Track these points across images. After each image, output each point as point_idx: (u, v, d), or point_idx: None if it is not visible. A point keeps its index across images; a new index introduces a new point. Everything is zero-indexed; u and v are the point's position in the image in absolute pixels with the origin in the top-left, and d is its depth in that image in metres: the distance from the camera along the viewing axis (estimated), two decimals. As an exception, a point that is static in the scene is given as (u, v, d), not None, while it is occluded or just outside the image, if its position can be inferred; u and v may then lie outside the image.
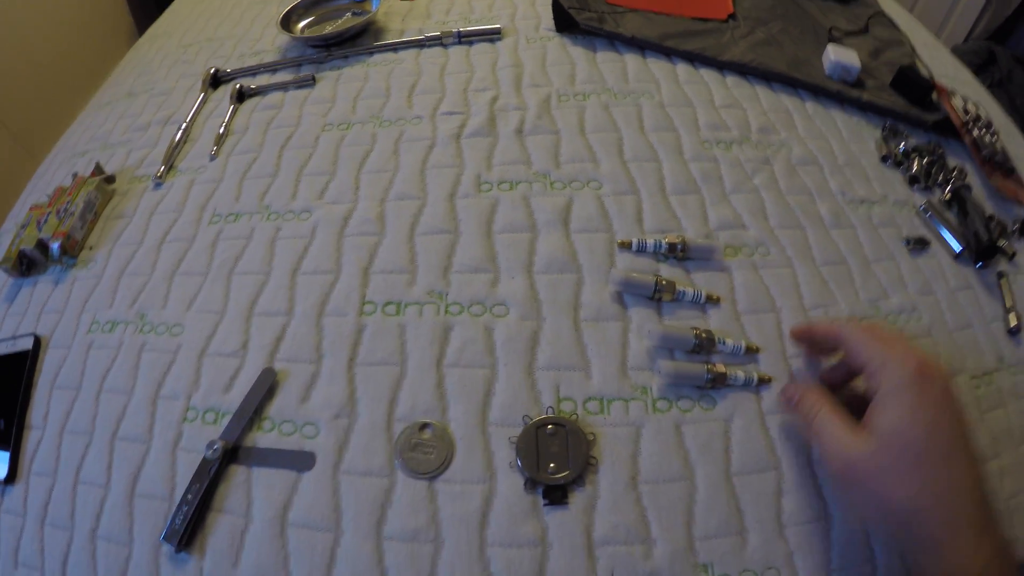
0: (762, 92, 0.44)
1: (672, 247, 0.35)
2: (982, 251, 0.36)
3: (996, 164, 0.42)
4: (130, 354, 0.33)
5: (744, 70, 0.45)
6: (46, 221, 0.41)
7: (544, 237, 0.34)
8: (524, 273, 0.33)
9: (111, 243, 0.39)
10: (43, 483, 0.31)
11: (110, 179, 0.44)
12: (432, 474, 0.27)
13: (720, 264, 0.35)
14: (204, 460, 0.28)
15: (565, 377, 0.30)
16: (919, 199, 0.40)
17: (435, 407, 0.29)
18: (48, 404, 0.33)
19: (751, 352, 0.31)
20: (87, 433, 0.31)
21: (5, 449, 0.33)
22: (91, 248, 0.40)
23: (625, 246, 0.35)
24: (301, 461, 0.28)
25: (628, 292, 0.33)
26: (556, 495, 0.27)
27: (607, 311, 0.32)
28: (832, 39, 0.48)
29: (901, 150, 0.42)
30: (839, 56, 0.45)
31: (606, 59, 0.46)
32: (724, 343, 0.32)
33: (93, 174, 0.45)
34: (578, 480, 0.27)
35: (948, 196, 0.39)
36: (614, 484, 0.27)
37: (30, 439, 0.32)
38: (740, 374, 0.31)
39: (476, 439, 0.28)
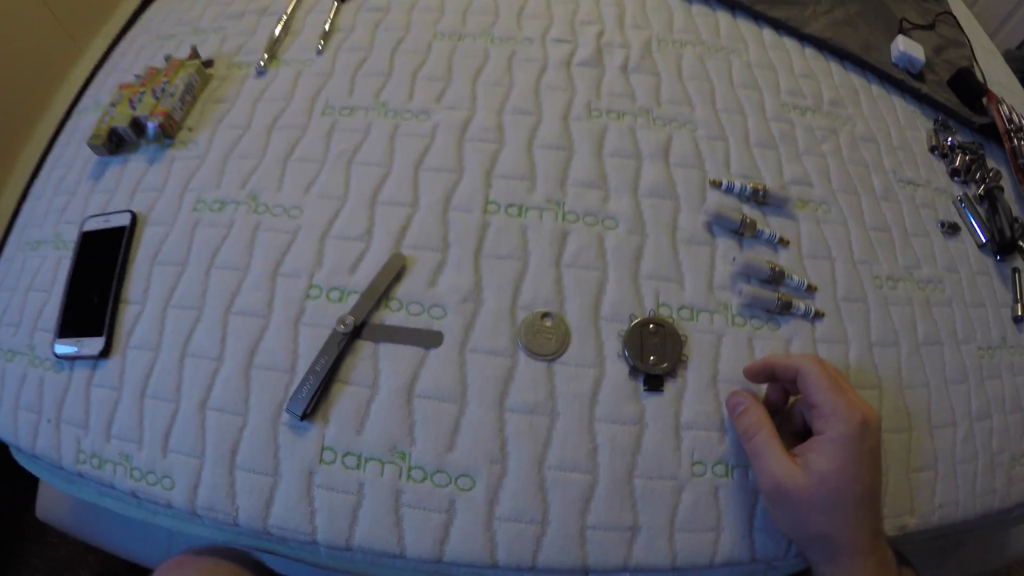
0: (835, 68, 0.46)
1: (755, 192, 0.37)
2: (1004, 246, 0.40)
3: (1029, 173, 0.45)
4: (244, 232, 0.33)
5: (822, 45, 0.46)
6: (140, 100, 0.39)
7: (648, 165, 0.35)
8: (630, 194, 0.34)
9: (213, 126, 0.38)
10: (143, 357, 0.31)
11: (208, 63, 0.42)
12: (551, 356, 0.29)
13: (790, 213, 0.37)
14: (334, 333, 0.29)
15: (664, 287, 0.32)
16: (956, 190, 0.43)
17: (554, 300, 0.31)
18: (148, 280, 0.33)
19: (810, 290, 0.35)
20: (195, 308, 0.31)
21: (100, 323, 0.32)
22: (190, 129, 0.38)
23: (716, 184, 0.37)
24: (429, 338, 0.29)
25: (717, 224, 0.35)
26: (654, 383, 0.30)
27: (699, 236, 0.34)
28: (902, 30, 0.49)
29: (948, 144, 0.45)
30: (907, 48, 0.47)
31: (700, 12, 0.45)
32: (791, 279, 0.35)
33: (190, 57, 0.42)
34: (672, 373, 0.30)
35: (982, 192, 0.43)
36: (699, 380, 0.30)
37: (127, 313, 0.32)
38: (801, 305, 0.34)
39: (589, 330, 0.30)
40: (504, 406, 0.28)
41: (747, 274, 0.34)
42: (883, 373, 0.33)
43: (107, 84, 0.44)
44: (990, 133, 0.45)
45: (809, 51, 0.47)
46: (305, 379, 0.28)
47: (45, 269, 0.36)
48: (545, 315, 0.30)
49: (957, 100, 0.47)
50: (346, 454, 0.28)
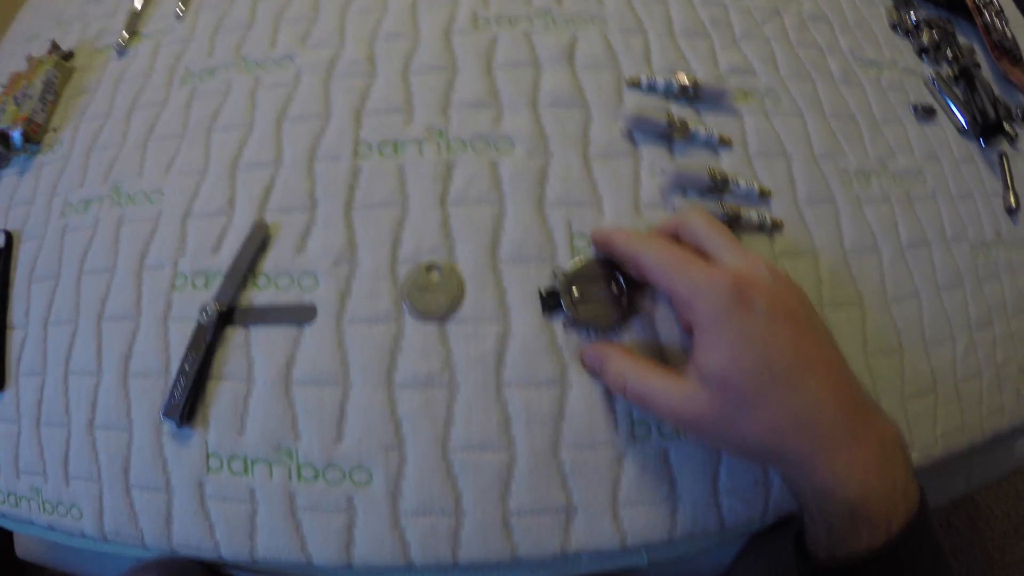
0: (772, -63, 0.35)
1: (684, 88, 0.27)
2: (988, 128, 0.30)
3: (1005, 50, 0.34)
4: (108, 230, 0.26)
5: (754, -89, 0.35)
6: (3, 111, 0.31)
7: (549, 73, 0.26)
8: (529, 108, 0.25)
9: (76, 120, 0.30)
10: (33, 383, 0.25)
11: (68, 55, 0.33)
12: (442, 315, 0.22)
13: (731, 108, 0.27)
14: (198, 326, 0.22)
15: (576, 213, 0.23)
16: (927, 70, 0.32)
17: (441, 246, 0.23)
18: (28, 299, 0.26)
19: (764, 196, 0.25)
20: (71, 321, 0.25)
21: None
22: (55, 130, 0.30)
23: (634, 84, 0.27)
24: (301, 314, 0.22)
25: (639, 129, 0.25)
26: (550, 301, 0.21)
27: (617, 147, 0.25)
28: None
29: (912, 21, 0.34)
30: (855, -103, 0.35)
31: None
32: (738, 184, 0.25)
33: (49, 53, 0.34)
34: (622, 320, 0.21)
35: (956, 72, 0.32)
36: (637, 319, 0.22)
37: (14, 340, 0.26)
38: (754, 215, 0.25)
39: (487, 278, 0.22)
40: (393, 382, 0.21)
41: (682, 185, 0.25)
42: (863, 286, 0.24)
43: None
44: (957, 8, 0.34)
45: (741, -79, 0.36)
46: (176, 381, 0.22)
47: None
48: (431, 267, 0.22)
49: None
50: (231, 458, 0.21)
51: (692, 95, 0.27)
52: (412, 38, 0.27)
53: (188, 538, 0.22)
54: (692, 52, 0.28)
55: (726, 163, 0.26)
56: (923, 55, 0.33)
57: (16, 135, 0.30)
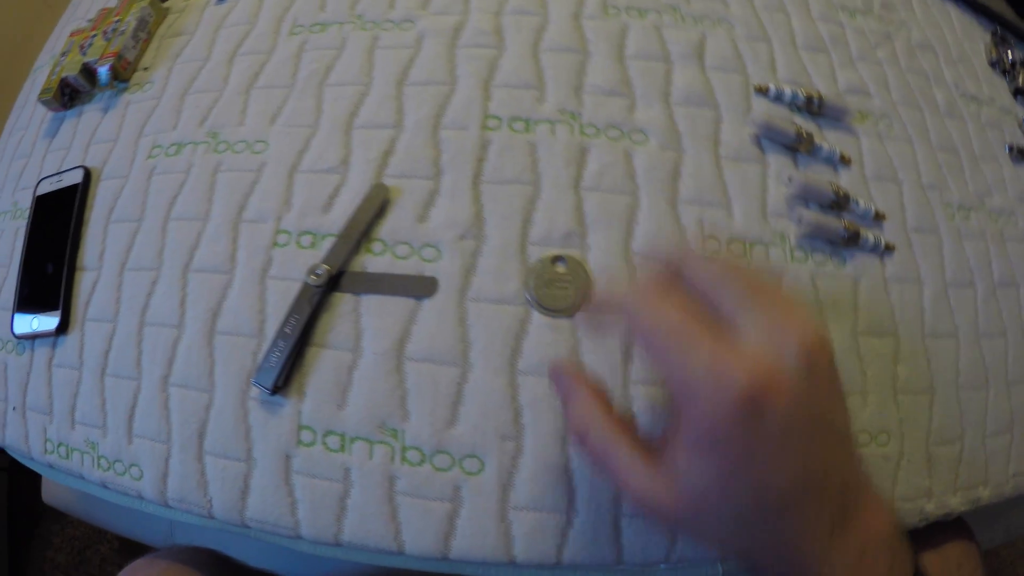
0: (883, -33, 0.34)
1: (809, 100, 0.25)
2: None
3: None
4: (202, 176, 0.24)
5: (868, -61, 0.35)
6: (91, 45, 0.29)
7: (680, 69, 0.24)
8: (662, 102, 0.23)
9: (169, 62, 0.27)
10: (102, 330, 0.22)
11: None
12: (568, 312, 0.19)
13: (849, 128, 0.26)
14: (305, 287, 0.20)
15: (708, 214, 0.22)
16: (1021, 111, 0.31)
17: (575, 231, 0.21)
18: (104, 241, 0.24)
19: (879, 218, 0.24)
20: (153, 268, 0.22)
21: (55, 295, 0.23)
22: (146, 69, 0.28)
23: (762, 91, 0.25)
24: (421, 286, 0.20)
25: (767, 137, 0.24)
26: None
27: (747, 152, 0.23)
28: (956, -79, 0.37)
29: (1009, 60, 0.33)
30: (964, -60, 0.35)
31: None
32: (857, 204, 0.24)
33: None
34: None
35: None
36: None
37: (83, 282, 0.23)
38: (870, 237, 0.23)
39: (619, 270, 0.20)
40: (516, 368, 0.19)
41: (806, 197, 0.23)
42: (959, 319, 0.23)
43: (63, 34, 0.33)
44: None
45: (853, -52, 0.35)
46: (274, 345, 0.19)
47: (3, 242, 0.27)
48: (556, 259, 0.20)
49: (1012, 12, 0.35)
50: (327, 433, 0.19)
51: (816, 109, 0.26)
52: (541, 15, 0.25)
53: (265, 513, 0.19)
54: (813, 67, 0.27)
55: (844, 181, 0.25)
56: (1017, 95, 0.32)
57: (103, 71, 0.28)
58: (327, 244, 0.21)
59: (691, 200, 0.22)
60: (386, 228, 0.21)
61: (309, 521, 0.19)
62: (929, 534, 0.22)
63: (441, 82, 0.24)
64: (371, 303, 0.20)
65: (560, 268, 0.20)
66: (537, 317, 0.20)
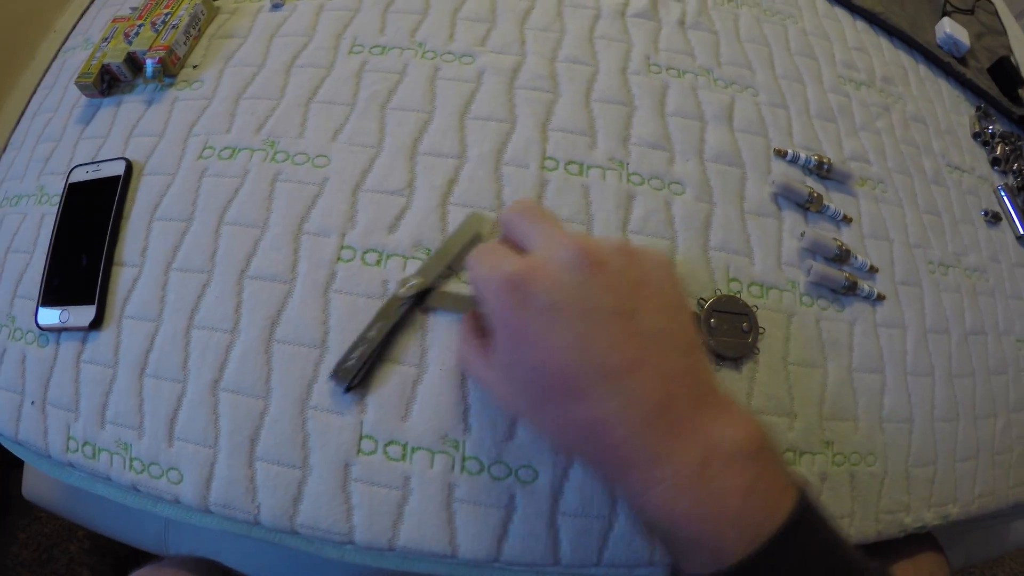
0: (885, 44, 0.40)
1: (820, 164, 0.31)
2: None
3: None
4: (260, 183, 0.26)
5: (872, 19, 0.40)
6: (137, 34, 0.30)
7: (712, 128, 0.29)
8: (696, 157, 0.28)
9: (222, 63, 0.30)
10: (142, 328, 0.24)
11: None
12: None
13: (851, 190, 0.32)
14: (393, 297, 0.23)
15: (734, 260, 0.26)
16: (997, 179, 0.39)
17: None
18: (147, 238, 0.26)
19: (872, 271, 0.30)
20: (203, 271, 0.24)
21: (90, 289, 0.25)
22: (195, 67, 0.30)
23: (781, 154, 0.31)
24: None
25: (784, 195, 0.29)
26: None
27: (766, 208, 0.29)
28: (946, 12, 0.44)
29: (990, 132, 0.40)
30: (953, 31, 0.41)
31: (752, -25, 0.39)
32: (855, 258, 0.30)
33: None
34: (748, 353, 0.25)
35: (1019, 184, 0.39)
36: (771, 362, 0.25)
37: (122, 277, 0.25)
38: (865, 287, 0.29)
39: None
40: None
41: (814, 251, 0.29)
42: (936, 360, 0.29)
43: (99, 19, 0.35)
44: None
45: (860, 24, 0.41)
46: (355, 346, 0.22)
47: (27, 227, 0.28)
48: None
49: (997, 89, 0.42)
50: (389, 443, 0.22)
51: (825, 173, 0.31)
52: (592, 66, 0.30)
53: (318, 519, 0.22)
54: (824, 133, 0.33)
55: (845, 237, 0.30)
56: (995, 165, 0.40)
57: (151, 63, 0.30)
58: (392, 264, 0.24)
59: (720, 247, 0.27)
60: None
61: (365, 527, 0.21)
62: (906, 546, 0.27)
63: (501, 119, 0.27)
64: (439, 323, 0.23)
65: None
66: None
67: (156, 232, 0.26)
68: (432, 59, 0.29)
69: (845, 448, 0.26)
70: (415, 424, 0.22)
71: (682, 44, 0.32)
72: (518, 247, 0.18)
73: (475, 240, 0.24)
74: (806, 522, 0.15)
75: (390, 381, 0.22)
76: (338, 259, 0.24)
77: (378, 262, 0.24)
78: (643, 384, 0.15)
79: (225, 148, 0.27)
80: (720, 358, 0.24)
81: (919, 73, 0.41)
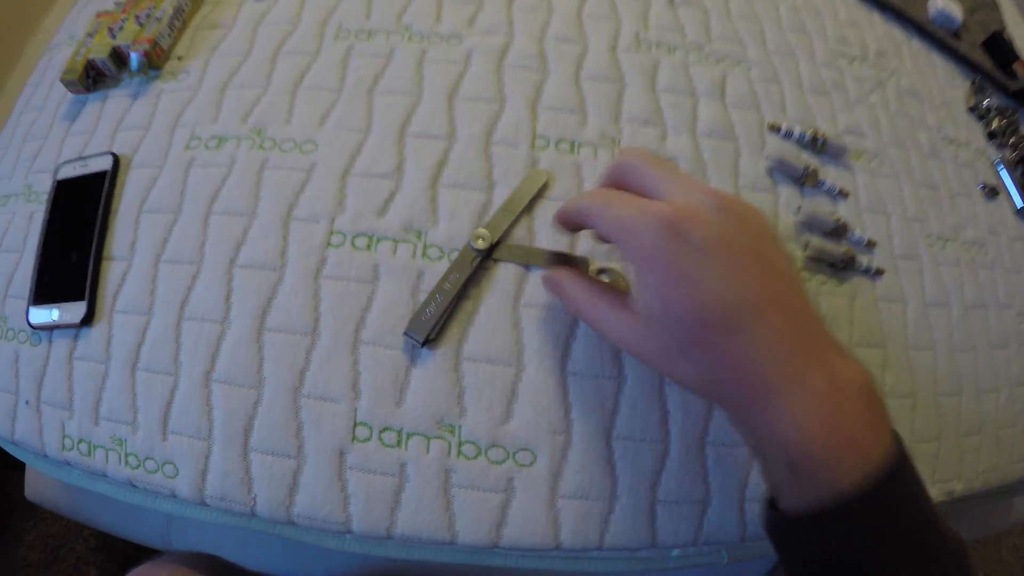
0: (876, 19, 0.39)
1: (814, 139, 0.31)
2: None
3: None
4: (248, 172, 0.25)
5: (863, -7, 0.40)
6: (121, 28, 0.30)
7: (704, 104, 0.29)
8: (689, 133, 0.27)
9: (207, 53, 0.29)
10: (133, 323, 0.24)
11: None
12: None
13: (847, 164, 0.31)
14: (466, 249, 0.22)
15: None
16: (994, 153, 0.38)
17: (616, 249, 0.22)
18: (135, 232, 0.25)
19: (870, 245, 0.29)
20: (193, 262, 0.24)
21: (80, 285, 0.24)
22: (180, 59, 0.29)
23: (775, 129, 0.30)
24: (572, 263, 0.22)
25: (779, 170, 0.29)
26: None
27: (761, 182, 0.28)
28: (937, -17, 0.44)
29: (985, 106, 0.39)
30: (945, 5, 0.41)
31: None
32: (853, 232, 0.29)
33: None
34: None
35: (1016, 158, 0.38)
36: None
37: (112, 272, 0.24)
38: (863, 261, 0.29)
39: None
40: (566, 368, 0.22)
41: (811, 225, 0.28)
42: (937, 335, 0.28)
43: (84, 15, 0.34)
44: (1022, 99, 0.41)
45: (851, -1, 0.41)
46: (430, 299, 0.21)
47: (15, 226, 0.28)
48: (602, 271, 0.24)
49: (991, 63, 0.42)
50: (384, 430, 0.21)
51: (820, 147, 0.31)
52: (581, 45, 0.29)
53: (314, 509, 0.21)
54: (817, 107, 0.32)
55: (842, 211, 0.30)
56: (991, 138, 0.39)
57: (136, 56, 0.29)
58: (383, 248, 0.23)
59: None
60: (440, 235, 0.24)
61: (362, 515, 0.21)
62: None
63: (490, 99, 0.27)
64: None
65: (604, 279, 0.24)
66: (583, 324, 0.23)
67: (145, 225, 0.25)
68: (419, 42, 0.28)
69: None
70: (409, 409, 0.21)
71: (671, 21, 0.32)
72: (637, 192, 0.18)
73: (541, 193, 0.23)
74: (909, 464, 0.16)
75: (382, 367, 0.22)
76: (328, 244, 0.23)
77: (368, 246, 0.23)
78: (785, 316, 0.16)
79: (212, 138, 0.27)
80: None
81: (912, 47, 0.41)
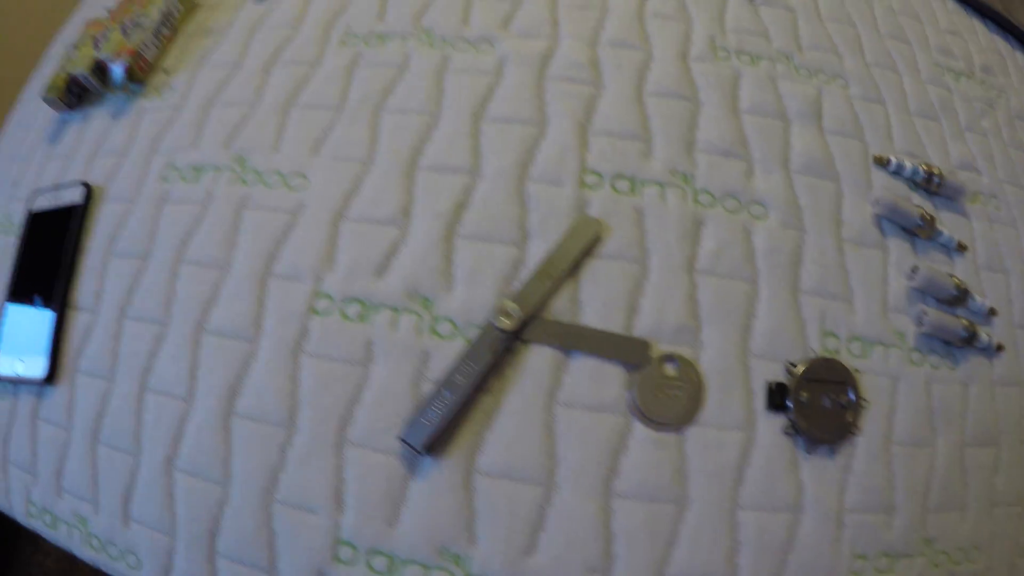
0: (978, 27, 0.28)
1: (929, 176, 0.21)
2: None
3: None
4: (224, 211, 0.18)
5: (967, -4, 0.29)
6: (106, 39, 0.22)
7: (798, 130, 0.19)
8: (781, 169, 0.18)
9: (195, 65, 0.21)
10: (95, 387, 0.17)
11: None
12: (679, 424, 0.15)
13: (962, 208, 0.21)
14: (488, 328, 0.14)
15: (830, 308, 0.17)
16: None
17: (687, 325, 0.16)
18: (102, 278, 0.18)
19: (991, 315, 0.19)
20: (158, 322, 0.17)
21: (42, 337, 0.18)
22: (166, 72, 0.22)
23: (882, 163, 0.20)
24: (629, 350, 0.14)
25: (890, 218, 0.19)
26: (775, 397, 0.15)
27: (869, 235, 0.18)
28: (1055, -18, 0.32)
29: None
30: (1064, 2, 0.30)
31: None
32: (974, 300, 0.20)
33: None
34: (845, 437, 0.15)
35: None
36: (871, 442, 0.16)
37: (77, 324, 0.18)
38: (984, 336, 0.19)
39: (735, 374, 0.15)
40: (612, 490, 0.14)
41: (927, 291, 0.19)
42: None
43: (77, 22, 0.27)
44: None
45: (950, 4, 0.29)
46: (437, 396, 0.14)
47: None
48: (667, 358, 0.15)
49: None
50: (372, 552, 0.14)
51: (935, 188, 0.21)
52: (644, 51, 0.20)
53: (289, 638, 0.15)
54: (927, 136, 0.22)
55: (958, 271, 0.20)
56: None
57: (117, 69, 0.22)
58: (380, 318, 0.15)
59: (813, 291, 0.17)
60: (455, 304, 0.15)
61: (343, 657, 0.14)
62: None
63: (527, 121, 0.18)
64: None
65: (670, 370, 0.15)
66: (640, 429, 0.15)
67: (112, 271, 0.18)
68: (441, 48, 0.19)
69: (948, 545, 0.17)
70: (406, 532, 0.14)
71: (753, 23, 0.22)
72: None
73: (590, 250, 0.15)
74: None
75: (374, 475, 0.14)
76: (312, 311, 0.16)
77: (361, 316, 0.15)
78: None
79: (189, 167, 0.19)
80: (811, 443, 0.15)
81: (1017, 61, 0.29)
